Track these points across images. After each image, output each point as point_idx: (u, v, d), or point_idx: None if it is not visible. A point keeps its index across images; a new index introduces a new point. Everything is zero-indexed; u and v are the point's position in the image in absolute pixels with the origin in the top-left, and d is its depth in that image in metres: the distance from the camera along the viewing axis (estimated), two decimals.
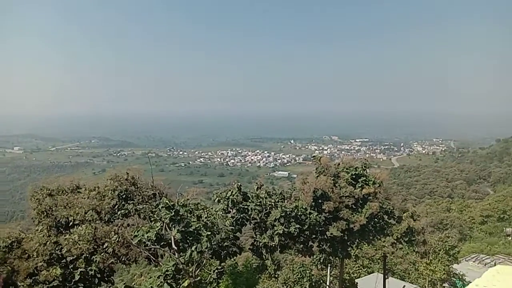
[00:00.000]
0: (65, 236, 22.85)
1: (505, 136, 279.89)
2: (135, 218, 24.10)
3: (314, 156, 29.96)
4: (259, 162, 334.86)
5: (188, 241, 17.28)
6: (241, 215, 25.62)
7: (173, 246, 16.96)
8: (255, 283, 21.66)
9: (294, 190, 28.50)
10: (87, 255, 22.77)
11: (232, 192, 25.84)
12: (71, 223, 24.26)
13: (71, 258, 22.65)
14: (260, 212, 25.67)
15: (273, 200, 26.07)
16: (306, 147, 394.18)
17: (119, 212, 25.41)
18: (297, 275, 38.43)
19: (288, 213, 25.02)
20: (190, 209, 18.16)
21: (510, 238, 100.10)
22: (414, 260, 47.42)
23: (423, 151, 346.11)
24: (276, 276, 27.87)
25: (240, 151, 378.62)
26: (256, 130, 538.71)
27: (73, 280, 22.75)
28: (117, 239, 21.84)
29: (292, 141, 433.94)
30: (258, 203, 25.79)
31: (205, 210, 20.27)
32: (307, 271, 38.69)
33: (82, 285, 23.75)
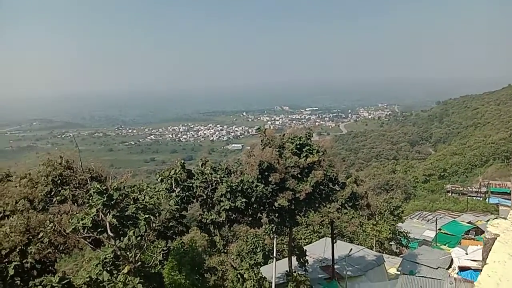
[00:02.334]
0: None
1: (445, 99, 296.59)
2: (71, 204, 22.79)
3: (258, 128, 29.62)
4: (212, 136, 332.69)
5: (125, 226, 16.41)
6: (186, 193, 25.01)
7: (109, 232, 16.04)
8: (201, 261, 21.39)
9: (240, 164, 28.14)
10: (22, 247, 21.31)
11: (176, 170, 25.07)
12: (1, 214, 22.51)
13: (5, 252, 21.11)
14: (205, 188, 25.19)
15: (218, 176, 25.59)
16: (258, 118, 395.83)
17: (54, 199, 23.91)
18: (251, 246, 38.75)
19: (234, 187, 24.72)
20: (125, 193, 17.18)
21: (450, 194, 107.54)
22: (361, 222, 49.45)
23: (369, 117, 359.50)
24: (226, 251, 27.72)
25: (192, 126, 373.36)
26: (207, 104, 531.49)
27: (8, 275, 21.32)
28: (53, 228, 20.53)
29: (244, 113, 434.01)
30: (203, 180, 25.25)
31: (142, 192, 19.37)
32: (260, 241, 39.11)
33: (19, 279, 22.38)
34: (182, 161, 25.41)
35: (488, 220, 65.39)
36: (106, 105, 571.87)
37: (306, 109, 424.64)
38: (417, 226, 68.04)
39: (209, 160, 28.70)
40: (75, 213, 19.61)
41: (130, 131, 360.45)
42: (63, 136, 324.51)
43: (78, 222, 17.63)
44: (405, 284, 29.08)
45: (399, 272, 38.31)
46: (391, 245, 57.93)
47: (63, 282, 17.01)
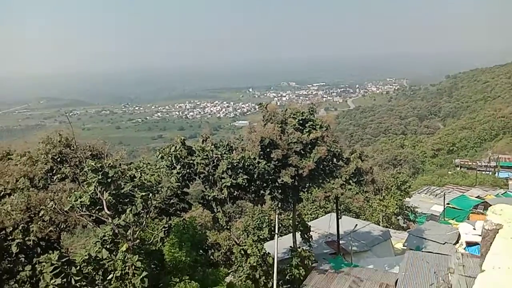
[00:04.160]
0: None
1: (454, 73, 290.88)
2: (71, 182, 22.64)
3: (260, 104, 28.95)
4: (219, 113, 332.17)
5: (122, 203, 16.17)
6: (187, 171, 24.68)
7: (106, 210, 15.81)
8: (202, 238, 21.30)
9: (241, 140, 27.65)
10: (24, 225, 21.31)
11: (176, 147, 24.68)
12: (2, 193, 22.45)
13: (9, 230, 21.13)
14: (207, 165, 24.80)
15: (219, 152, 25.17)
16: (265, 94, 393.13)
17: (55, 177, 23.77)
18: (257, 221, 38.83)
19: (235, 164, 24.33)
20: (121, 170, 16.86)
21: (459, 168, 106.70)
22: (367, 198, 49.17)
23: (377, 91, 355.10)
24: (228, 227, 27.61)
25: (198, 103, 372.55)
26: (213, 81, 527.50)
27: (12, 253, 21.43)
28: (54, 206, 20.39)
29: (250, 90, 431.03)
30: (204, 157, 24.84)
31: (138, 170, 19.04)
32: (266, 217, 39.15)
33: (23, 256, 22.52)
34: (182, 137, 24.98)
35: (497, 194, 64.82)
36: (112, 83, 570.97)
37: (313, 85, 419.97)
38: (425, 201, 67.69)
39: (217, 137, 28.30)
40: (73, 191, 19.47)
41: (137, 108, 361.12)
42: (70, 114, 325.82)
43: (76, 200, 17.44)
44: (411, 260, 28.82)
45: (405, 247, 38.15)
46: (398, 220, 57.81)
47: (63, 260, 16.96)
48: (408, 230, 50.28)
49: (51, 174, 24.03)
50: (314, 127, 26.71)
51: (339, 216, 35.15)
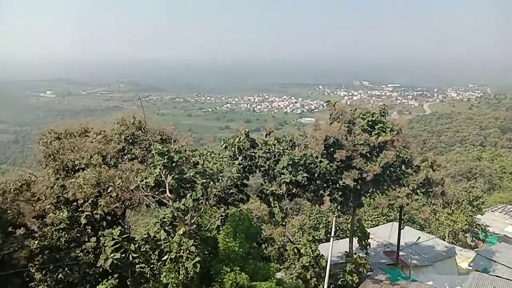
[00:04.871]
0: (71, 180, 22.84)
1: None
2: (138, 163, 23.76)
3: (328, 101, 28.22)
4: (286, 108, 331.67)
5: (184, 188, 16.63)
6: (249, 163, 24.83)
7: (168, 193, 16.35)
8: (257, 231, 21.31)
9: (305, 137, 27.20)
10: (93, 199, 22.81)
11: (240, 138, 24.91)
12: (77, 167, 24.19)
13: (81, 202, 22.76)
14: (268, 159, 24.75)
15: (282, 148, 24.98)
16: (335, 93, 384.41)
17: (126, 157, 25.14)
18: (313, 221, 38.26)
19: (296, 161, 24.00)
20: (186, 156, 17.32)
21: None
22: (434, 210, 46.26)
23: (457, 98, 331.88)
24: (284, 224, 27.38)
25: (267, 96, 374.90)
26: (283, 75, 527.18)
27: (81, 224, 23.07)
28: (121, 184, 21.54)
29: (320, 87, 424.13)
30: (266, 150, 24.81)
31: (202, 157, 19.42)
32: (324, 218, 38.43)
33: (90, 227, 24.17)
34: (247, 130, 25.15)
35: None
36: (188, 71, 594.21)
37: (388, 86, 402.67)
38: (498, 220, 62.14)
39: (281, 132, 28.24)
40: (140, 171, 20.39)
41: (208, 98, 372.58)
42: (147, 99, 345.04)
43: (142, 181, 18.21)
44: (476, 282, 26.64)
45: (471, 268, 35.42)
46: (466, 237, 53.85)
47: (124, 236, 17.89)
48: (476, 249, 46.53)
49: (122, 153, 25.48)
50: (384, 130, 25.50)
51: (401, 226, 33.47)
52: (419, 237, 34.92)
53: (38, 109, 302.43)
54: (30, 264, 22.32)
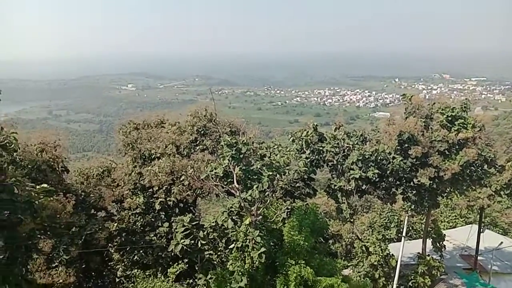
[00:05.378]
0: (147, 167, 24.38)
1: None
2: (209, 154, 24.58)
3: (404, 95, 26.82)
4: (359, 102, 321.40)
5: (251, 179, 16.89)
6: (316, 157, 24.51)
7: (235, 184, 16.72)
8: (323, 227, 20.96)
9: (377, 132, 26.15)
10: (167, 187, 24.15)
11: (308, 132, 24.66)
12: (153, 156, 25.70)
13: (156, 189, 24.25)
14: (336, 154, 24.23)
15: (351, 142, 24.28)
16: (413, 86, 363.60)
17: (197, 147, 26.19)
18: (384, 219, 36.95)
19: (367, 156, 23.20)
20: (253, 148, 17.54)
21: None
22: None
23: None
24: (352, 220, 26.68)
25: (338, 90, 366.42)
26: (357, 68, 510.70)
27: (155, 209, 24.60)
28: (193, 173, 22.48)
29: (396, 80, 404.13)
30: (334, 145, 24.30)
31: (269, 149, 19.52)
32: (396, 217, 36.91)
33: (164, 213, 25.60)
34: (315, 123, 24.80)
35: None
36: (258, 65, 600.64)
37: (472, 79, 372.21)
38: None
39: (352, 126, 27.56)
40: (210, 162, 21.10)
41: (278, 92, 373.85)
42: (219, 92, 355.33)
43: (211, 171, 18.76)
44: None
45: None
46: None
47: (193, 223, 18.67)
48: None
49: (194, 144, 26.66)
50: (465, 126, 23.73)
51: (481, 230, 31.00)
52: (502, 242, 32.03)
53: (120, 101, 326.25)
54: (110, 244, 24.30)
